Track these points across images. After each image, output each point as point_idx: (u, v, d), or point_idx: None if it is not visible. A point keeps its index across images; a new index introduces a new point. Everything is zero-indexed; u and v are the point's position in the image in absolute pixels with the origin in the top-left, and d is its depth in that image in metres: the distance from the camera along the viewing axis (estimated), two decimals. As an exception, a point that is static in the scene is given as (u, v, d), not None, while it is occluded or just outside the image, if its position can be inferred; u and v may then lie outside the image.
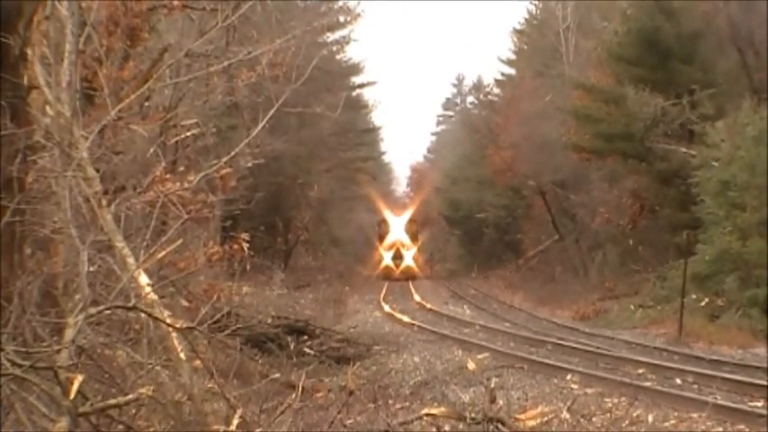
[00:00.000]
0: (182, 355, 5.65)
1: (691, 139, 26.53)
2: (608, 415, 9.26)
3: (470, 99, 74.16)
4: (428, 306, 28.71)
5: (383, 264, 49.79)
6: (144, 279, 5.99)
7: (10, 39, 5.74)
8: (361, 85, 47.77)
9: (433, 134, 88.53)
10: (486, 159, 46.66)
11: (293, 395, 6.73)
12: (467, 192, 52.99)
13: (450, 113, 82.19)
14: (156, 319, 5.56)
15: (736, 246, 20.15)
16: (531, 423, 7.02)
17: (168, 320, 5.67)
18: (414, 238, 51.33)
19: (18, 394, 4.64)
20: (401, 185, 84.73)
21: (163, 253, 6.16)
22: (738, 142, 21.22)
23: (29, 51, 6.09)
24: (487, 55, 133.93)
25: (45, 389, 4.60)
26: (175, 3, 12.32)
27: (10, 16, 5.82)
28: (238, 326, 7.61)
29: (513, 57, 51.91)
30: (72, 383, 4.59)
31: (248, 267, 12.43)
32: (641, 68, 27.56)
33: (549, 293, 32.16)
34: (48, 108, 6.46)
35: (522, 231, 46.17)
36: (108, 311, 5.35)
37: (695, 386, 12.01)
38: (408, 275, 47.37)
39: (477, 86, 69.06)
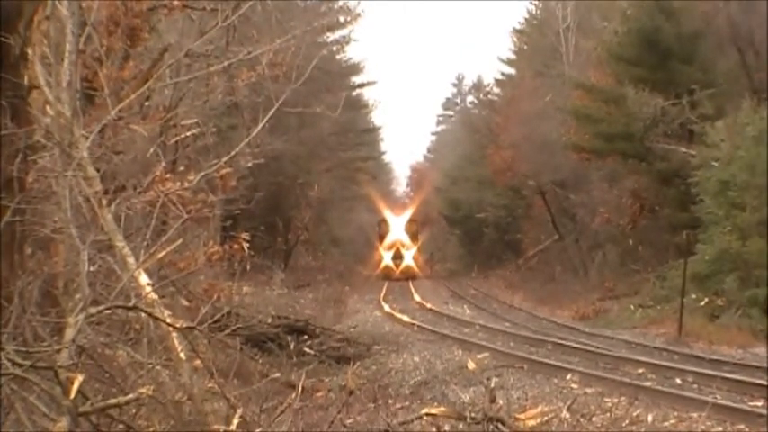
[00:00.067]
0: (182, 355, 5.66)
1: (690, 139, 26.52)
2: (608, 414, 9.24)
3: (470, 99, 74.24)
4: (428, 306, 28.69)
5: (383, 264, 49.75)
6: (144, 279, 6.00)
7: (10, 39, 5.73)
8: (361, 85, 47.88)
9: (433, 134, 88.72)
10: (486, 159, 46.67)
11: (293, 395, 6.75)
12: (467, 192, 53.00)
13: (451, 113, 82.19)
14: (156, 318, 5.57)
15: (736, 246, 20.15)
16: (531, 423, 7.02)
17: (168, 320, 5.68)
18: (414, 237, 51.30)
19: (18, 394, 4.64)
20: (401, 185, 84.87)
21: (163, 253, 6.17)
22: (738, 142, 21.21)
23: (29, 51, 6.09)
24: (487, 55, 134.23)
25: (45, 388, 4.61)
26: (175, 3, 12.33)
27: (10, 16, 5.81)
28: (238, 326, 7.64)
29: (513, 57, 51.97)
30: (72, 383, 4.60)
31: (248, 267, 12.47)
32: (641, 68, 27.55)
33: (549, 293, 32.14)
34: (48, 108, 6.46)
35: (522, 231, 46.17)
36: (108, 311, 5.36)
37: (695, 386, 12.01)
38: (408, 275, 47.33)
39: (477, 86, 69.12)
